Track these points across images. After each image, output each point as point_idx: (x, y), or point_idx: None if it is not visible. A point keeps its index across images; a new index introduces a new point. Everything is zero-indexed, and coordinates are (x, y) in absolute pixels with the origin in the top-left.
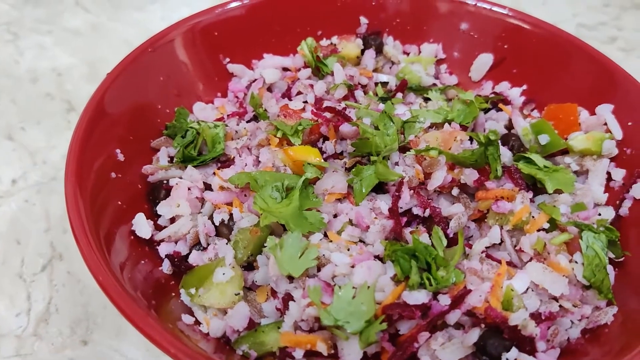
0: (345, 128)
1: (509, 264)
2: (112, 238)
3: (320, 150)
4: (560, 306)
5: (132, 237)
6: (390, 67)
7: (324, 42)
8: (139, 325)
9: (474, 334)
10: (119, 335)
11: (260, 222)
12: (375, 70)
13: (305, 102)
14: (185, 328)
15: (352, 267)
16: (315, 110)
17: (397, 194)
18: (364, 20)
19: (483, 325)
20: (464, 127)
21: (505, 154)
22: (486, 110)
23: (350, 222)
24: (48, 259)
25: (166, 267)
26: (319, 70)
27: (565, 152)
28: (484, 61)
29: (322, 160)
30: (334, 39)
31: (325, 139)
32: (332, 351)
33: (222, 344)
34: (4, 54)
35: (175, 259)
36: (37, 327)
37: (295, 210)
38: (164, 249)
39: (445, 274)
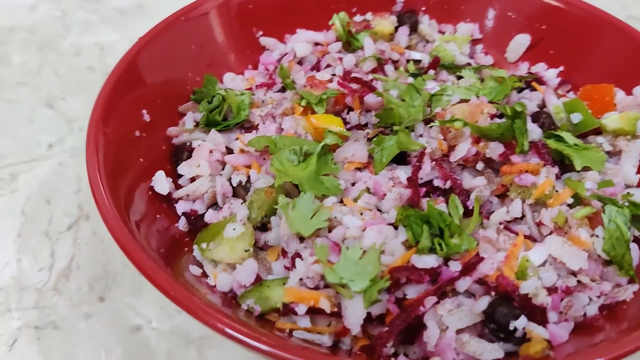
0: (371, 99)
1: (529, 237)
2: (132, 193)
3: (345, 121)
4: (578, 281)
5: (151, 194)
6: (424, 46)
7: (358, 18)
8: (152, 277)
9: (484, 302)
10: (136, 293)
11: (275, 182)
12: (408, 47)
13: (334, 74)
14: (192, 280)
15: (364, 230)
16: (341, 81)
17: (417, 164)
18: None
19: (493, 294)
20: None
21: (535, 131)
22: (520, 90)
23: (368, 190)
24: (75, 219)
25: (182, 224)
26: (350, 44)
27: (599, 132)
28: (520, 42)
29: (345, 130)
30: (368, 15)
31: (350, 109)
32: (336, 309)
33: (229, 299)
34: (52, 30)
35: (192, 217)
36: (57, 282)
37: (312, 174)
38: (181, 207)
39: (458, 241)
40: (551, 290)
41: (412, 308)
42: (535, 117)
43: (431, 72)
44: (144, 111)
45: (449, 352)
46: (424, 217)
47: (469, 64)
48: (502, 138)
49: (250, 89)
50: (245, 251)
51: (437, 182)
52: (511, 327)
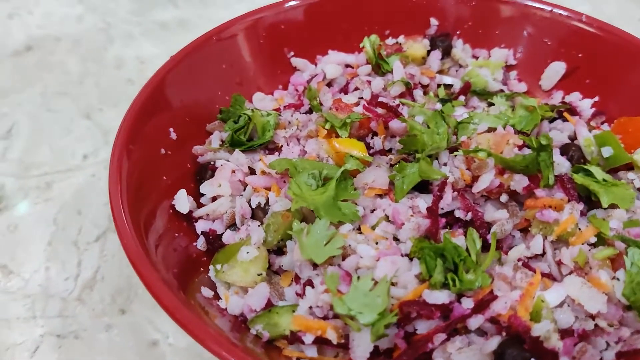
0: (395, 124)
1: (548, 276)
2: (153, 210)
3: (368, 146)
4: (596, 325)
5: (172, 212)
6: (456, 70)
7: (390, 41)
8: (160, 299)
9: (494, 342)
10: (156, 308)
11: (292, 206)
12: (440, 72)
13: (361, 97)
14: (203, 302)
15: (377, 260)
16: (366, 105)
17: (438, 193)
18: (434, 21)
19: (504, 334)
20: (524, 134)
21: (564, 164)
22: (552, 120)
23: (387, 218)
24: (103, 230)
25: (201, 243)
26: (379, 67)
27: (631, 167)
28: (555, 69)
29: (367, 155)
30: (400, 39)
31: (375, 134)
32: (343, 341)
33: (238, 323)
34: (96, 42)
35: (211, 237)
36: (81, 292)
37: (329, 199)
38: (201, 226)
39: (472, 277)
40: (567, 332)
41: (420, 344)
42: (564, 150)
43: (461, 97)
44: (171, 129)
45: None
46: (438, 251)
47: (501, 91)
48: (527, 170)
49: (278, 109)
50: (258, 275)
51: (458, 213)
52: None
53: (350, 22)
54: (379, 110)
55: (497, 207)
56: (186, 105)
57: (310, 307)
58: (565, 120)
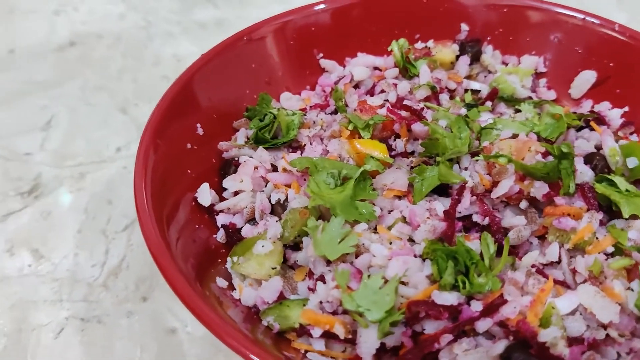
0: (417, 127)
1: (562, 283)
2: (176, 202)
3: (390, 148)
4: (607, 335)
5: (194, 204)
6: (485, 76)
7: (419, 45)
8: (177, 289)
9: (500, 345)
10: (175, 297)
11: (309, 204)
12: (469, 77)
13: (387, 100)
14: (218, 292)
15: (390, 259)
16: (390, 108)
17: (456, 197)
18: (464, 27)
19: (512, 338)
20: (549, 142)
21: (587, 173)
22: (579, 129)
23: (404, 219)
24: (131, 220)
25: (220, 236)
26: (407, 71)
27: None
28: (585, 78)
29: (388, 157)
30: (430, 43)
31: (398, 137)
32: (350, 336)
33: (251, 314)
34: (136, 39)
35: (230, 230)
36: (107, 279)
37: (347, 199)
38: (221, 219)
39: (483, 280)
40: (577, 340)
41: (426, 344)
42: (588, 159)
43: (488, 103)
44: (198, 125)
45: None
46: (451, 253)
47: (530, 98)
48: (548, 178)
49: (304, 109)
50: (273, 269)
51: (475, 218)
52: None
53: (379, 25)
54: (403, 113)
55: (516, 213)
56: (214, 102)
57: (321, 302)
58: (592, 129)
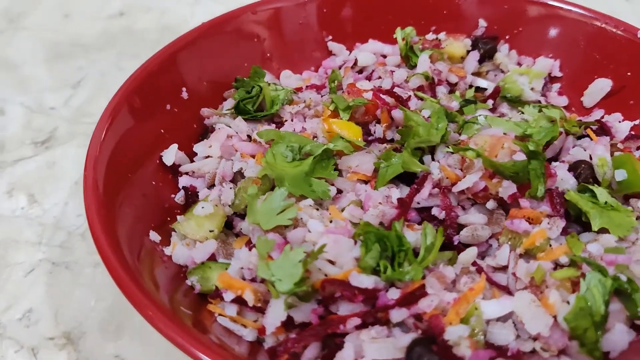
0: (397, 113)
1: (504, 288)
2: (138, 157)
3: (369, 133)
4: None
5: (159, 163)
6: (495, 75)
7: (430, 36)
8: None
9: (407, 338)
10: None
11: (258, 173)
12: (478, 74)
13: (380, 86)
14: (149, 245)
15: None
16: (376, 92)
17: (415, 187)
18: (482, 23)
19: (420, 332)
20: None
21: (568, 180)
22: (581, 137)
23: (360, 203)
24: None
25: (179, 197)
26: (409, 59)
27: None
28: (600, 87)
29: (360, 140)
30: (441, 35)
31: (378, 122)
32: (259, 304)
33: (179, 272)
34: (179, 15)
35: (190, 192)
36: (86, 230)
37: (301, 173)
38: (183, 181)
39: (406, 269)
40: (497, 348)
41: (330, 323)
42: (574, 166)
43: (490, 102)
44: (184, 89)
45: None
46: (381, 237)
47: (538, 101)
48: (517, 178)
49: (300, 88)
50: (210, 231)
51: (435, 211)
52: None
53: (395, 14)
54: (387, 99)
55: (481, 213)
56: (207, 70)
57: (242, 268)
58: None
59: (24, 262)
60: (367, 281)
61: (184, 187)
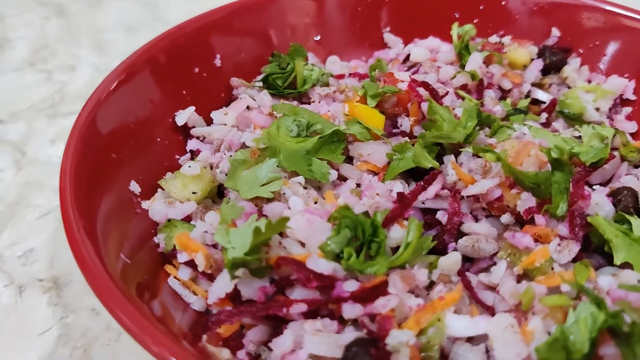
0: (424, 107)
1: (488, 308)
2: (151, 114)
3: (396, 126)
4: None
5: (171, 122)
6: (559, 90)
7: (493, 39)
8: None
9: (350, 336)
10: None
11: (254, 139)
12: (540, 86)
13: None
14: (128, 195)
15: None
16: (411, 84)
17: (421, 184)
18: (555, 32)
19: (365, 331)
20: (589, 170)
21: (603, 206)
22: (638, 166)
23: (359, 193)
24: None
25: (184, 159)
26: (462, 58)
27: None
28: None
29: (379, 129)
30: (506, 39)
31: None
32: (210, 271)
33: (151, 228)
34: None
35: (195, 155)
36: None
37: (301, 150)
38: (191, 144)
39: (371, 261)
40: None
41: (273, 304)
42: (614, 193)
43: (544, 116)
44: (218, 56)
45: None
46: (355, 223)
47: (602, 123)
48: (539, 191)
49: (342, 75)
50: (193, 193)
51: (439, 215)
52: None
53: (463, 13)
54: (422, 92)
55: (495, 227)
56: (248, 42)
57: (206, 232)
58: None
59: (42, 206)
60: (324, 266)
61: (190, 151)
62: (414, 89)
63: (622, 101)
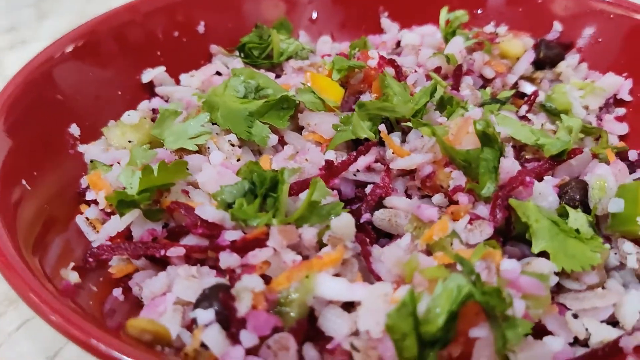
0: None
1: (379, 279)
2: (116, 67)
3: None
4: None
5: (138, 79)
6: (550, 85)
7: (489, 29)
8: None
9: (211, 280)
10: None
11: (197, 98)
12: (531, 80)
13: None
14: (66, 136)
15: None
16: (380, 61)
17: (354, 154)
18: (557, 26)
19: (227, 278)
20: (555, 162)
21: (547, 197)
22: None
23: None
24: None
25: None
26: (448, 42)
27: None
28: None
29: (335, 102)
30: (501, 29)
31: None
32: (110, 210)
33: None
34: None
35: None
36: None
37: (243, 110)
38: (154, 102)
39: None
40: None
41: (151, 245)
42: (563, 185)
43: (524, 108)
44: (202, 22)
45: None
46: (261, 178)
47: (590, 123)
48: (471, 170)
49: (330, 55)
50: (129, 142)
51: (368, 188)
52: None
53: (467, 6)
54: (388, 70)
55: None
56: (234, 13)
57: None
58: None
59: None
60: (211, 213)
61: (152, 109)
62: (382, 65)
63: (616, 102)
